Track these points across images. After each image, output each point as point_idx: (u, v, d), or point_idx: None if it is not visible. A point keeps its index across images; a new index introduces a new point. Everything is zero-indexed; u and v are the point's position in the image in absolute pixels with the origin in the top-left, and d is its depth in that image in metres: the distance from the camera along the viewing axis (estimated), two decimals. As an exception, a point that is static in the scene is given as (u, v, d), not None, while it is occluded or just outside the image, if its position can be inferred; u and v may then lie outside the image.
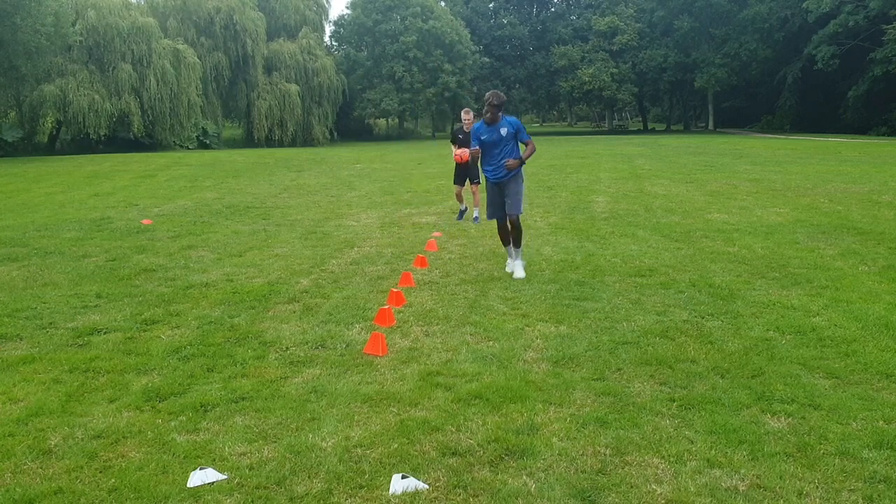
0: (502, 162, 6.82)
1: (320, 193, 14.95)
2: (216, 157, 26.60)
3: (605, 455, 3.30)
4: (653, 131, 61.92)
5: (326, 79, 48.21)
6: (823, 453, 3.28)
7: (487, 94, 6.88)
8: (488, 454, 3.32)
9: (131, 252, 8.48)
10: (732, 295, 6.09)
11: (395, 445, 3.40)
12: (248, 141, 46.13)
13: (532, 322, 5.39)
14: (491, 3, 64.41)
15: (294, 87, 45.76)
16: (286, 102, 45.44)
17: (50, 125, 36.95)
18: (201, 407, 3.88)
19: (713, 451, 3.31)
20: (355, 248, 8.63)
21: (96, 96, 34.22)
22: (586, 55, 58.42)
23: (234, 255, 8.26)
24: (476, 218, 10.60)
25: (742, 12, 50.57)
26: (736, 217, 10.48)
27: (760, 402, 3.85)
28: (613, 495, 2.97)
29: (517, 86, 64.44)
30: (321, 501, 2.96)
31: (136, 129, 35.96)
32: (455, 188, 10.90)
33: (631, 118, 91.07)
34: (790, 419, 3.65)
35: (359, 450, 3.38)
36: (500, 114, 6.81)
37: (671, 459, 3.25)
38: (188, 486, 3.06)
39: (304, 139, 46.90)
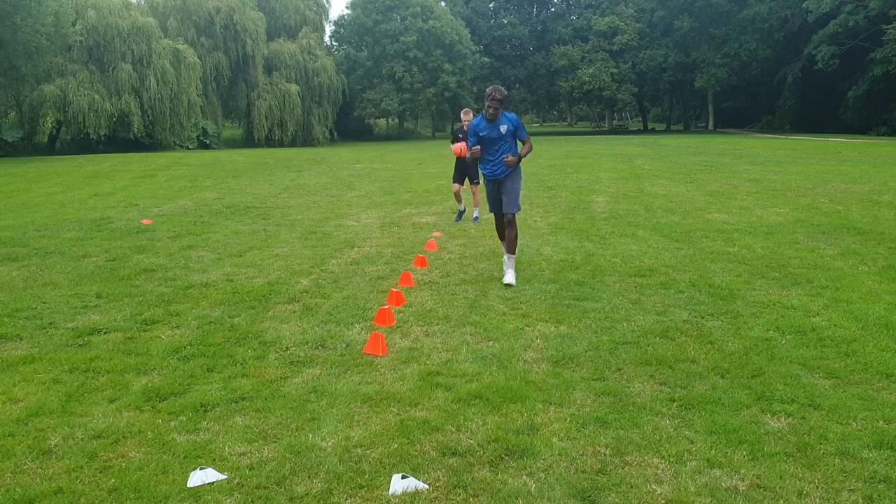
0: (500, 159, 6.72)
1: (320, 193, 14.95)
2: (216, 157, 26.60)
3: (605, 455, 3.30)
4: (653, 131, 61.92)
5: (326, 79, 48.21)
6: (823, 453, 3.28)
7: (489, 88, 6.71)
8: (488, 454, 3.32)
9: (131, 252, 8.48)
10: (732, 295, 6.09)
11: (395, 445, 3.40)
12: (248, 141, 46.14)
13: (532, 322, 5.39)
14: (491, 3, 64.42)
15: (294, 87, 45.77)
16: (286, 102, 45.44)
17: (50, 125, 36.95)
18: (201, 407, 3.88)
19: (713, 451, 3.31)
20: (355, 248, 8.63)
21: (96, 96, 34.22)
22: (586, 55, 58.43)
23: (234, 255, 8.26)
24: (476, 218, 10.59)
25: (742, 12, 50.57)
26: (736, 217, 10.48)
27: (760, 402, 3.85)
28: (613, 495, 2.97)
29: (517, 86, 64.43)
30: (321, 501, 2.96)
31: (136, 129, 35.97)
32: (454, 186, 10.87)
33: (631, 118, 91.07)
34: (790, 419, 3.65)
35: (359, 450, 3.38)
36: (500, 110, 6.70)
37: (671, 459, 3.25)
38: (188, 486, 3.06)
39: (304, 139, 46.90)
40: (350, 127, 57.02)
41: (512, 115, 6.77)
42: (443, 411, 3.79)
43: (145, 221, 10.88)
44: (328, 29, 57.60)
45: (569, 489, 3.01)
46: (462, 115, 10.37)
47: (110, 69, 35.43)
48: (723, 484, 3.03)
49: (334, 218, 11.32)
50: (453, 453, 3.33)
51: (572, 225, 10.08)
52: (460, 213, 10.93)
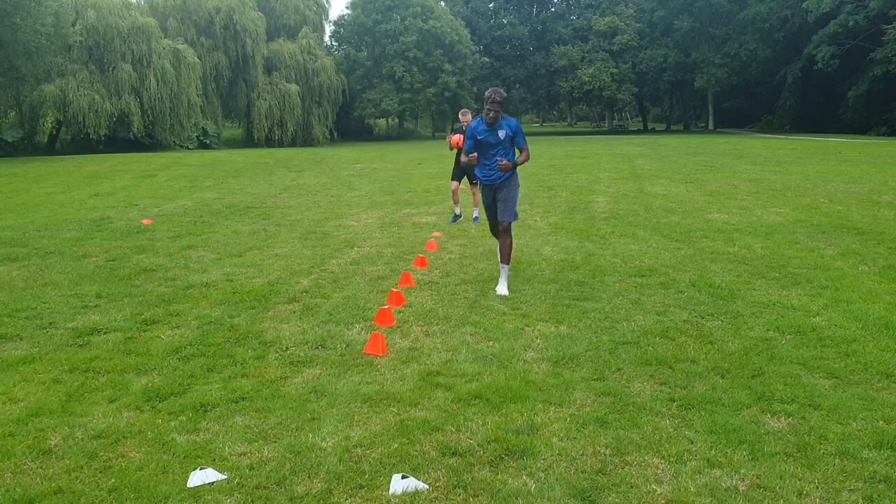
0: (496, 163, 6.39)
1: (320, 193, 14.95)
2: (216, 157, 26.60)
3: (605, 455, 3.30)
4: (653, 131, 61.93)
5: (326, 79, 48.22)
6: (823, 453, 3.28)
7: (488, 91, 6.35)
8: (488, 454, 3.32)
9: (131, 252, 8.48)
10: (732, 295, 6.09)
11: (395, 445, 3.40)
12: (248, 141, 46.14)
13: (532, 322, 5.39)
14: (491, 3, 64.42)
15: (294, 87, 45.77)
16: (286, 102, 45.45)
17: (50, 125, 36.95)
18: (201, 407, 3.88)
19: (713, 451, 3.31)
20: (355, 248, 8.63)
21: (96, 96, 34.22)
22: (586, 55, 58.44)
23: (234, 255, 8.26)
24: (476, 218, 10.59)
25: (742, 12, 50.58)
26: (736, 217, 10.48)
27: (760, 402, 3.85)
28: (613, 495, 2.97)
29: (517, 86, 64.47)
30: (321, 501, 2.96)
31: (136, 129, 35.96)
32: (452, 184, 10.83)
33: (631, 118, 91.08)
34: (790, 419, 3.65)
35: (359, 450, 3.38)
36: (500, 113, 6.37)
37: (671, 459, 3.25)
38: (188, 486, 3.06)
39: (304, 139, 46.91)
40: (350, 127, 57.02)
41: (512, 121, 6.48)
42: (443, 411, 3.79)
43: (145, 221, 10.88)
44: (328, 29, 57.72)
45: (569, 489, 3.01)
46: (460, 115, 10.37)
47: (110, 69, 35.43)
48: (723, 484, 3.03)
49: (334, 218, 11.32)
50: (453, 453, 3.33)
51: (572, 225, 10.08)
52: (456, 216, 10.85)
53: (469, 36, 56.29)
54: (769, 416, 3.70)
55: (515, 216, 6.56)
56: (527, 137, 6.68)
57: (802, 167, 18.51)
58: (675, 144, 31.97)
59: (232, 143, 45.77)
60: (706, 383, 4.14)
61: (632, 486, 3.03)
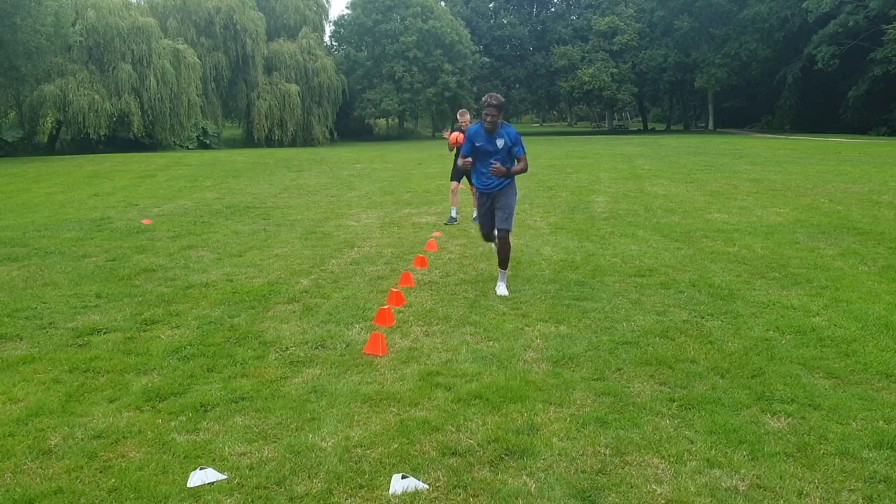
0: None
1: (320, 193, 14.95)
2: (216, 157, 26.60)
3: (605, 455, 3.30)
4: (653, 131, 61.93)
5: (326, 79, 48.22)
6: (823, 453, 3.28)
7: (486, 96, 6.19)
8: (488, 454, 3.32)
9: (131, 252, 8.48)
10: (732, 295, 6.09)
11: (395, 445, 3.40)
12: (248, 141, 46.14)
13: (532, 322, 5.39)
14: (491, 3, 64.43)
15: (294, 87, 45.77)
16: (286, 102, 45.44)
17: (50, 125, 36.95)
18: (201, 407, 3.88)
19: (713, 451, 3.31)
20: (355, 248, 8.63)
21: (96, 96, 34.22)
22: (586, 55, 58.44)
23: (234, 255, 8.26)
24: (476, 218, 10.57)
25: (742, 12, 50.58)
26: (736, 217, 10.48)
27: (760, 402, 3.85)
28: (613, 495, 2.97)
29: (517, 86, 64.47)
30: (321, 501, 2.96)
31: (136, 129, 35.96)
32: (452, 185, 10.82)
33: (631, 118, 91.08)
34: (790, 419, 3.65)
35: (359, 450, 3.38)
36: (500, 120, 6.18)
37: (671, 459, 3.25)
38: (188, 486, 3.06)
39: (304, 139, 46.90)
40: (350, 127, 57.02)
41: (511, 130, 6.25)
42: (443, 411, 3.79)
43: (145, 221, 10.88)
44: (328, 29, 57.71)
45: (569, 489, 3.01)
46: (458, 115, 10.36)
47: (110, 69, 35.43)
48: (723, 484, 3.03)
49: (334, 218, 11.32)
50: (453, 453, 3.33)
51: (572, 225, 10.08)
52: (452, 219, 10.80)
53: (469, 36, 56.29)
54: (769, 416, 3.70)
55: (511, 227, 6.44)
56: (527, 138, 6.58)
57: (802, 167, 18.51)
58: (675, 144, 31.97)
59: (232, 143, 45.76)
60: (706, 383, 4.14)
61: (632, 486, 3.03)
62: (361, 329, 5.27)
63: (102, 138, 35.38)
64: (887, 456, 3.24)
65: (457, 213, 10.89)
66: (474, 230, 9.91)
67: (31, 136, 36.15)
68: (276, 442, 3.47)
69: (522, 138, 6.36)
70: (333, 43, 59.64)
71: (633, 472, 3.14)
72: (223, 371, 4.45)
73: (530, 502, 2.93)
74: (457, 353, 4.72)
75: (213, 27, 42.78)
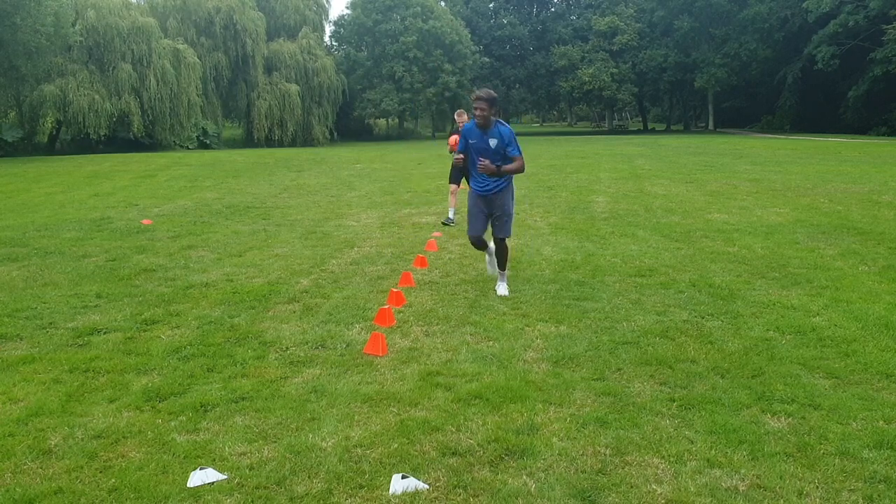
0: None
1: (320, 193, 14.95)
2: (216, 157, 26.60)
3: (605, 455, 3.30)
4: (653, 131, 61.93)
5: (326, 79, 48.23)
6: (823, 453, 3.28)
7: (475, 90, 6.03)
8: (488, 454, 3.32)
9: (131, 252, 8.48)
10: (732, 295, 6.09)
11: (395, 445, 3.40)
12: (248, 141, 46.15)
13: (532, 322, 5.39)
14: (491, 3, 64.43)
15: (294, 87, 45.78)
16: (286, 102, 45.46)
17: (50, 125, 36.96)
18: (201, 407, 3.88)
19: (713, 451, 3.31)
20: (355, 248, 8.63)
21: (96, 96, 34.23)
22: (586, 55, 58.45)
23: (234, 255, 8.26)
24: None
25: (742, 12, 50.59)
26: (736, 217, 10.48)
27: (760, 402, 3.85)
28: (613, 495, 2.97)
29: (517, 86, 64.48)
30: (321, 501, 2.96)
31: (136, 129, 35.97)
32: (451, 187, 10.81)
33: (631, 118, 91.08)
34: (790, 419, 3.65)
35: (359, 450, 3.37)
36: (492, 117, 5.96)
37: (671, 459, 3.25)
38: (188, 486, 3.06)
39: (304, 139, 46.91)
40: (350, 127, 57.02)
41: (506, 130, 6.01)
42: (443, 411, 3.79)
43: (145, 221, 10.88)
44: (328, 29, 57.72)
45: (569, 489, 3.01)
46: (456, 116, 10.37)
47: (110, 69, 35.44)
48: (723, 484, 3.03)
49: (334, 218, 11.32)
50: (453, 453, 3.33)
51: (572, 225, 10.08)
52: (449, 220, 10.77)
53: (469, 36, 56.29)
54: (769, 416, 3.70)
55: (510, 233, 6.32)
56: (527, 138, 6.53)
57: (802, 167, 18.51)
58: (675, 144, 31.98)
59: (232, 143, 45.77)
60: (706, 383, 4.14)
61: (632, 486, 3.03)
62: (361, 329, 5.27)
63: (102, 138, 35.39)
64: (887, 456, 3.24)
65: (454, 214, 10.87)
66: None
67: (31, 136, 36.17)
68: (276, 442, 3.47)
69: (521, 138, 6.29)
70: (333, 43, 59.68)
71: (633, 472, 3.14)
72: (223, 371, 4.45)
73: (530, 502, 2.93)
74: (457, 353, 4.72)
75: (213, 27, 42.79)
